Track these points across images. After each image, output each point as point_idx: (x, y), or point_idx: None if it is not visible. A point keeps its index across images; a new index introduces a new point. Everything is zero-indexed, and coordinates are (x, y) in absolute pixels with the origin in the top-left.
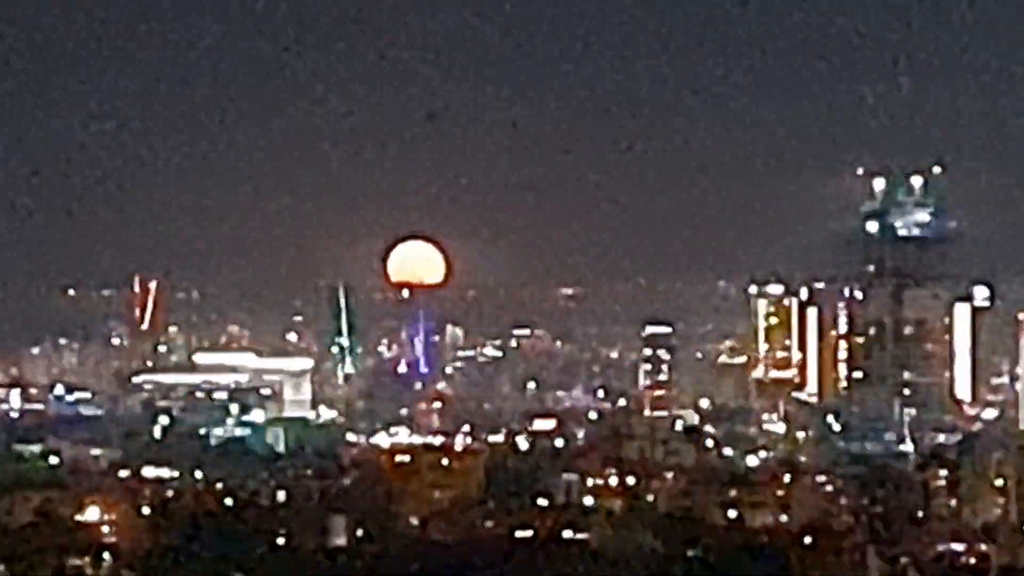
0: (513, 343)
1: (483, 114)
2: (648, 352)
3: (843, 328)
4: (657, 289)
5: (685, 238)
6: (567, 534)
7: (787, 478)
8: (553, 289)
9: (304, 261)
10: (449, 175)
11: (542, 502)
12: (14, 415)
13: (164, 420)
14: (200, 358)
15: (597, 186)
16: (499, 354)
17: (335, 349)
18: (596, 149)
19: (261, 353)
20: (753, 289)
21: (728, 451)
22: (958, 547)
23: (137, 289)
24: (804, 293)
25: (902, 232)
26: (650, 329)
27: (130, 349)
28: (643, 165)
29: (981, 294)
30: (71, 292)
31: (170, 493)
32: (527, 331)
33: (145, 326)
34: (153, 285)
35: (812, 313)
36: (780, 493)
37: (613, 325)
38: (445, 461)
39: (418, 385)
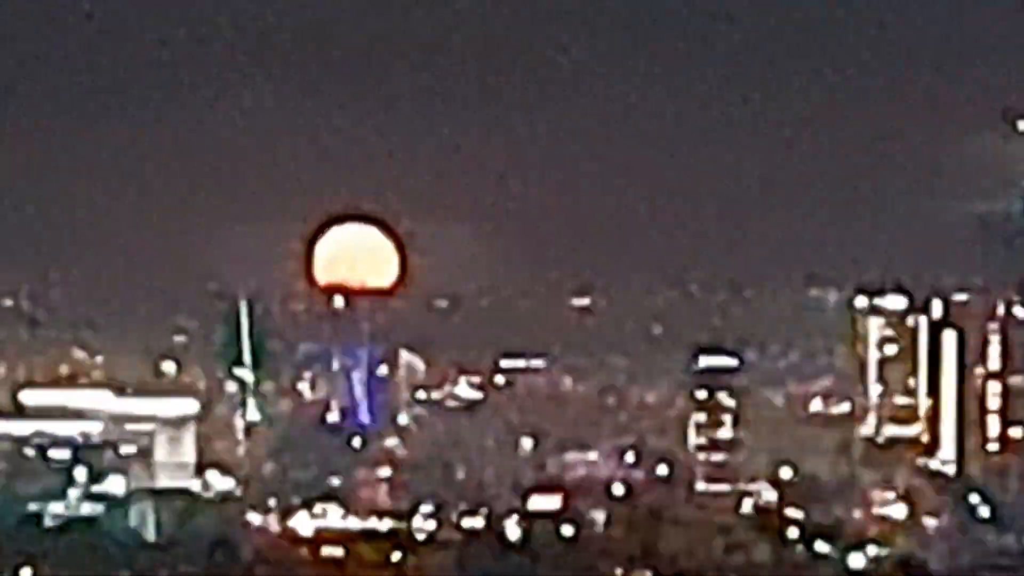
0: (500, 379)
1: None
2: (702, 395)
3: (995, 362)
4: (715, 301)
5: (756, 224)
6: None
7: None
8: (560, 299)
9: (187, 255)
10: (407, 129)
11: None
12: None
13: None
14: (29, 397)
15: (622, 146)
16: (479, 395)
17: (232, 386)
18: (619, 94)
19: (123, 391)
20: (861, 302)
21: (822, 546)
22: None
23: None
24: (937, 309)
25: None
26: (705, 361)
27: None
28: (685, 118)
29: None
30: None
31: None
32: (521, 361)
33: None
34: None
35: (949, 339)
36: None
37: (649, 353)
38: (395, 557)
39: (356, 441)
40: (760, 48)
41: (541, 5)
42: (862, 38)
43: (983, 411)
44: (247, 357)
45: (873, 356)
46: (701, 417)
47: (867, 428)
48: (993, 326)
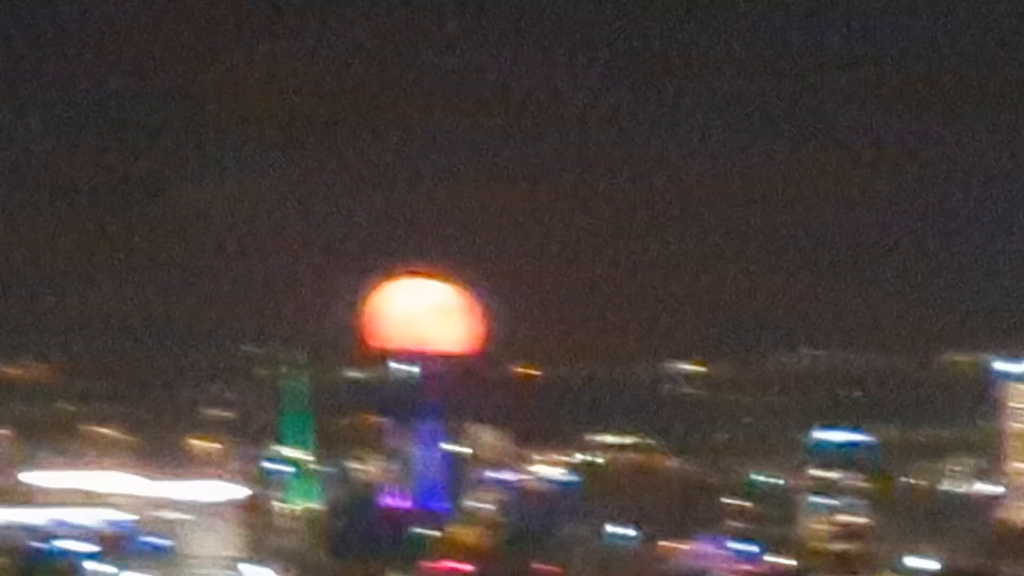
0: (590, 456)
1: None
2: (824, 474)
3: None
4: (838, 367)
5: (879, 284)
6: None
7: None
8: (658, 365)
9: (228, 315)
10: (486, 166)
11: None
12: None
13: None
14: (36, 479)
15: (721, 206)
16: (567, 476)
17: (277, 466)
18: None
19: (153, 473)
20: (1002, 366)
21: None
22: None
23: None
24: None
25: None
26: (825, 434)
27: None
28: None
29: None
30: None
31: None
32: (614, 437)
33: None
34: None
35: None
36: None
37: (762, 427)
38: None
39: (423, 530)
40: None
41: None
42: None
43: None
44: (298, 433)
45: (1017, 428)
46: (822, 500)
47: (1011, 511)
48: None
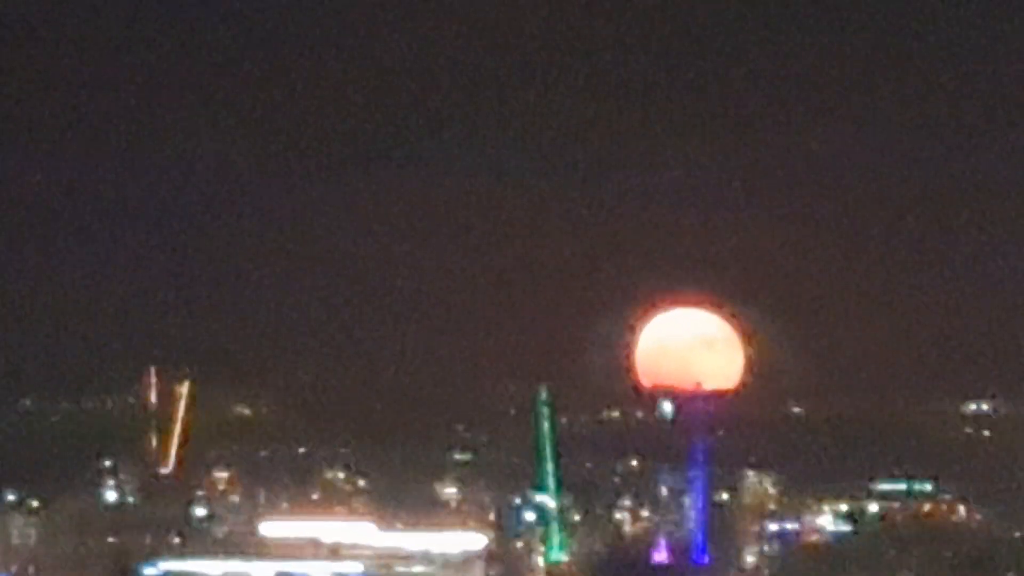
0: (876, 507)
1: None
2: None
3: None
4: None
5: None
6: None
7: None
8: (951, 406)
9: (472, 348)
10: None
11: None
12: None
13: None
14: (271, 529)
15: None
16: (848, 527)
17: (530, 515)
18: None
19: (391, 522)
20: None
21: None
22: None
23: (152, 396)
24: None
25: None
26: None
27: (137, 509)
28: None
29: None
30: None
31: None
32: (903, 484)
33: (167, 467)
34: (184, 390)
35: None
36: None
37: None
38: None
39: None
40: None
41: None
42: None
43: None
44: (549, 479)
45: None
46: None
47: None
48: None
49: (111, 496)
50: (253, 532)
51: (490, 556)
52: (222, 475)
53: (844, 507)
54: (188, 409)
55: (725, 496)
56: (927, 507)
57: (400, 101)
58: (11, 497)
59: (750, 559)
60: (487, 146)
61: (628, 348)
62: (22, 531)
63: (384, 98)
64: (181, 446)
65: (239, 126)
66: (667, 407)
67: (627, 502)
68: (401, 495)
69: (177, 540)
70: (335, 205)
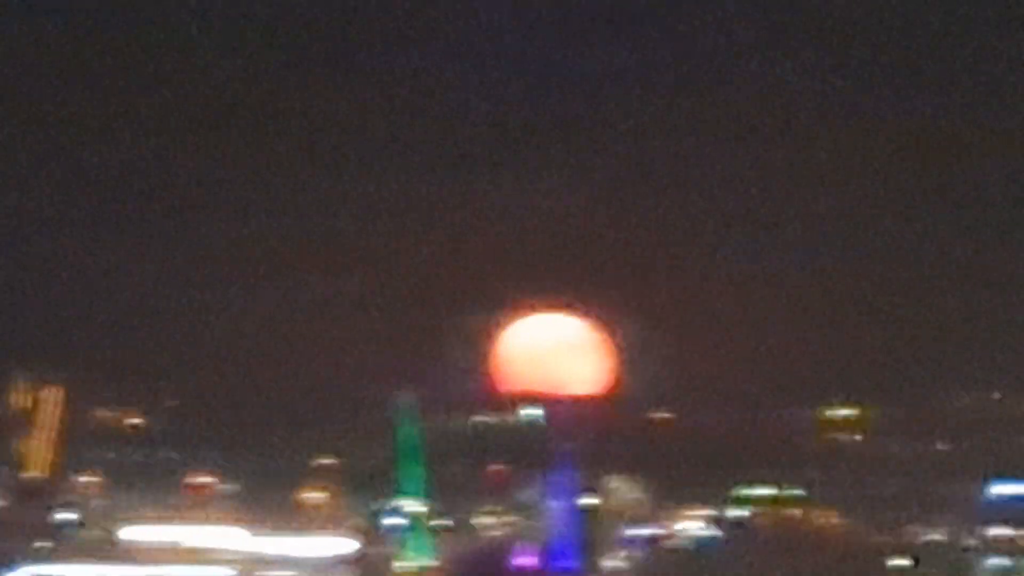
0: (740, 511)
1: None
2: (1002, 532)
3: None
4: (1018, 410)
5: None
6: None
7: None
8: (813, 410)
9: (337, 354)
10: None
11: None
12: None
13: None
14: (136, 533)
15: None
16: (711, 533)
17: (394, 519)
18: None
19: (256, 526)
20: None
21: None
22: None
23: (20, 400)
24: None
25: None
26: (1004, 488)
27: (2, 513)
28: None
29: None
30: None
31: None
32: (766, 490)
33: (34, 472)
34: (52, 394)
35: None
36: None
37: (932, 479)
38: None
39: None
40: None
41: None
42: None
43: None
44: (414, 483)
45: None
46: (996, 560)
47: None
48: None
49: None
50: (119, 537)
51: (355, 560)
52: (89, 479)
53: (709, 512)
54: (56, 413)
55: (589, 501)
56: (793, 513)
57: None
58: None
59: (614, 564)
60: (352, 145)
61: (493, 352)
62: None
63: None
64: (48, 450)
65: None
66: (531, 412)
67: (491, 507)
68: (267, 499)
69: (42, 545)
70: (202, 206)
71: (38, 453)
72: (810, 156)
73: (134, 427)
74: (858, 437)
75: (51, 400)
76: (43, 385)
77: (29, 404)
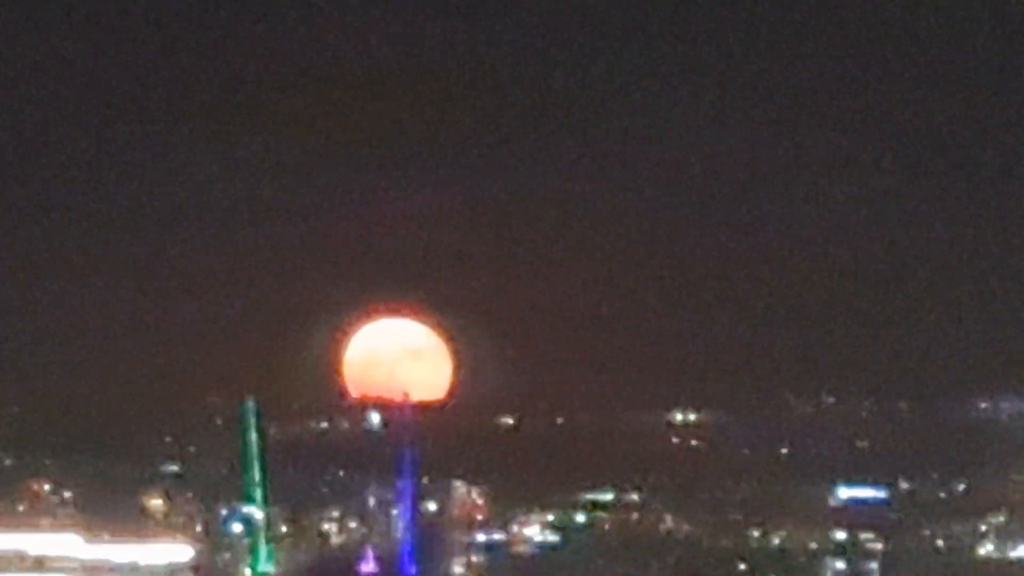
0: (582, 518)
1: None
2: (841, 535)
3: None
4: (859, 414)
5: (912, 325)
6: None
7: None
8: (657, 415)
9: (179, 359)
10: (464, 193)
11: None
12: None
13: None
14: None
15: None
16: (555, 538)
17: (237, 526)
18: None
19: (96, 534)
20: None
21: None
22: None
23: None
24: None
25: None
26: (847, 493)
27: None
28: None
29: None
30: None
31: None
32: (609, 494)
33: None
34: None
35: None
36: None
37: (776, 483)
38: None
39: None
40: None
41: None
42: None
43: None
44: (256, 489)
45: None
46: (840, 564)
47: None
48: None
49: None
50: None
51: (197, 568)
52: None
53: (552, 517)
54: None
55: (433, 507)
56: (635, 516)
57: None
58: None
59: (458, 570)
60: (196, 147)
61: (335, 358)
62: None
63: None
64: None
65: None
66: (375, 418)
67: (335, 513)
68: (108, 506)
69: None
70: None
71: None
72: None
73: None
74: (697, 442)
75: None
76: None
77: None
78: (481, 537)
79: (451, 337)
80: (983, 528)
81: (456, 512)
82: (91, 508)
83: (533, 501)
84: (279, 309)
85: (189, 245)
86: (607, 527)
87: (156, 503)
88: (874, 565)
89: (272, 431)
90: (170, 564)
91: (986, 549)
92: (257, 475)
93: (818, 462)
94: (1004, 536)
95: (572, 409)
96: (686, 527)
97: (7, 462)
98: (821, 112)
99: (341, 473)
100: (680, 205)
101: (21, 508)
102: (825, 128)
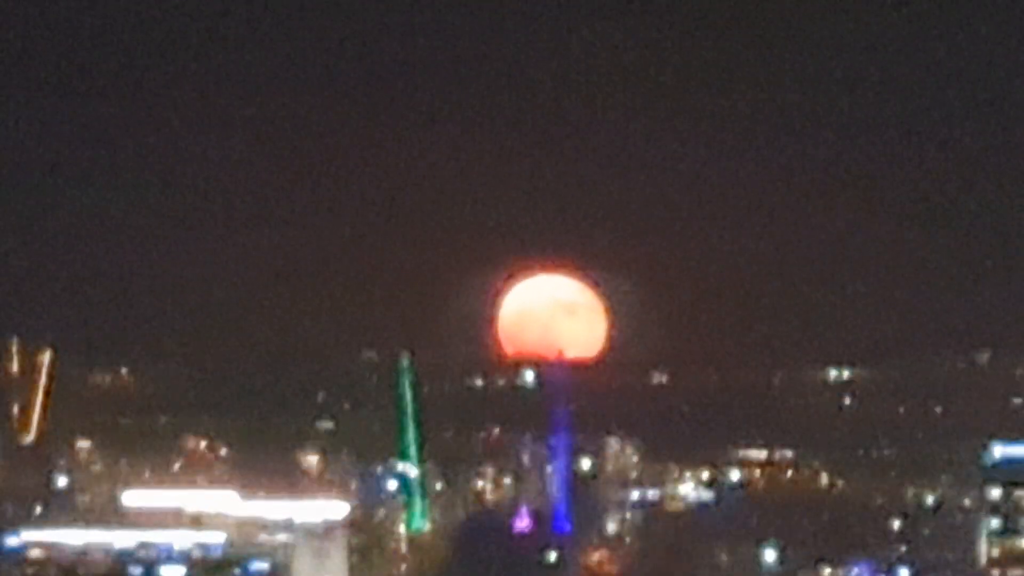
0: (737, 475)
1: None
2: (995, 493)
3: None
4: (1016, 371)
5: None
6: None
7: None
8: (811, 373)
9: (335, 318)
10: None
11: None
12: None
13: None
14: (133, 498)
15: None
16: (710, 495)
17: (392, 483)
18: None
19: (253, 491)
20: None
21: None
22: None
23: (12, 366)
24: None
25: None
26: (1004, 449)
27: None
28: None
29: None
30: None
31: None
32: (764, 452)
33: (29, 437)
34: (45, 359)
35: None
36: None
37: (929, 441)
38: None
39: (552, 555)
40: None
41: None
42: None
43: None
44: (412, 448)
45: None
46: (995, 522)
47: None
48: None
49: None
50: (115, 502)
51: (352, 524)
52: (84, 445)
53: (706, 475)
54: (49, 378)
55: (587, 464)
56: (789, 474)
57: None
58: None
59: (612, 527)
60: (337, 108)
61: (491, 315)
62: None
63: None
64: (42, 416)
65: None
66: (529, 375)
67: (489, 470)
68: (263, 464)
69: (39, 510)
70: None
71: (32, 419)
72: None
73: (129, 392)
74: (851, 400)
75: (44, 365)
76: (36, 350)
77: (21, 369)
78: (635, 494)
79: (605, 294)
80: None
81: (610, 469)
82: (247, 465)
83: (687, 458)
84: (435, 266)
85: (346, 202)
86: (760, 485)
87: (311, 460)
88: None
89: (426, 388)
90: (325, 521)
91: None
92: (412, 432)
93: (972, 419)
94: None
95: (726, 366)
96: (839, 484)
97: (163, 420)
98: None
99: (496, 430)
100: (835, 161)
101: (177, 466)
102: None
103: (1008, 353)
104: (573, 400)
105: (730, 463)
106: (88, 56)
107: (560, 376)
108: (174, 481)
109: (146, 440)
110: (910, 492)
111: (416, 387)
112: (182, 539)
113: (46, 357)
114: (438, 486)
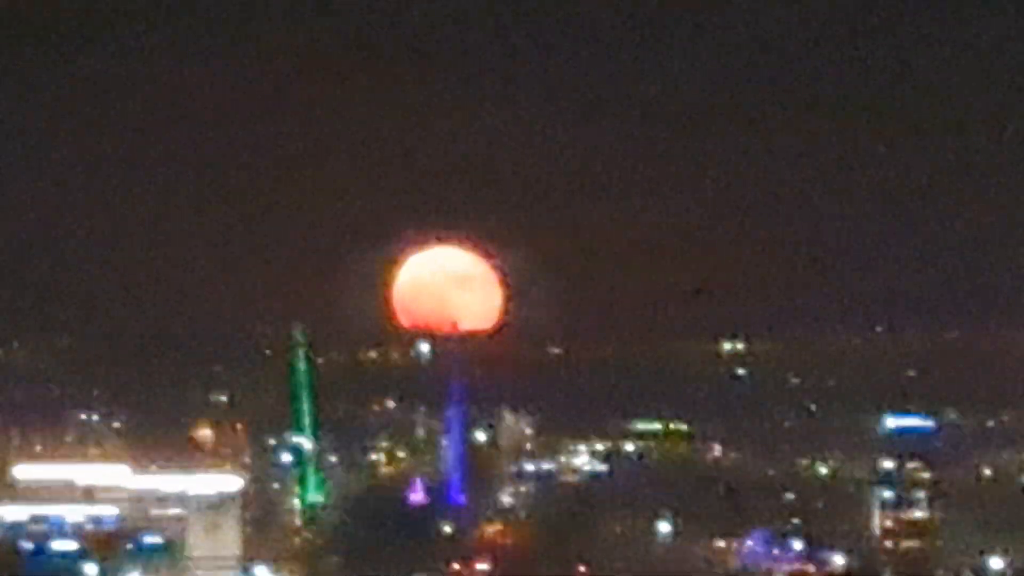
0: (630, 447)
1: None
2: (888, 464)
3: None
4: (907, 346)
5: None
6: None
7: None
8: (705, 345)
9: (228, 289)
10: (520, 124)
11: None
12: None
13: None
14: (24, 472)
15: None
16: (603, 467)
17: (287, 457)
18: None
19: (144, 464)
20: None
21: None
22: None
23: None
24: None
25: None
26: (894, 422)
27: None
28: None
29: None
30: None
31: None
32: (657, 424)
33: None
34: None
35: None
36: None
37: (822, 414)
38: None
39: (447, 527)
40: None
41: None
42: None
43: None
44: (306, 419)
45: None
46: (888, 493)
47: None
48: None
49: None
50: (6, 475)
51: (246, 498)
52: None
53: (600, 447)
54: None
55: (482, 436)
56: (683, 447)
57: None
58: None
59: (507, 499)
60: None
61: (385, 287)
62: None
63: None
64: None
65: None
66: (424, 347)
67: (384, 443)
68: (156, 437)
69: None
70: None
71: None
72: None
73: (21, 364)
74: (745, 372)
75: None
76: None
77: None
78: (530, 466)
79: (500, 266)
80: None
81: (505, 442)
82: (139, 438)
83: (581, 431)
84: (329, 239)
85: (239, 175)
86: (655, 457)
87: (205, 433)
88: (921, 494)
89: (321, 360)
90: (219, 494)
91: None
92: (306, 405)
93: (866, 392)
94: None
95: (621, 339)
96: (733, 456)
97: (55, 392)
98: None
99: (390, 403)
100: (735, 133)
101: (69, 439)
102: None
103: (901, 327)
104: (468, 372)
105: (625, 435)
106: None
107: (455, 348)
108: (66, 455)
109: (37, 413)
110: (804, 464)
111: (310, 360)
112: (74, 513)
113: None
114: (333, 459)
